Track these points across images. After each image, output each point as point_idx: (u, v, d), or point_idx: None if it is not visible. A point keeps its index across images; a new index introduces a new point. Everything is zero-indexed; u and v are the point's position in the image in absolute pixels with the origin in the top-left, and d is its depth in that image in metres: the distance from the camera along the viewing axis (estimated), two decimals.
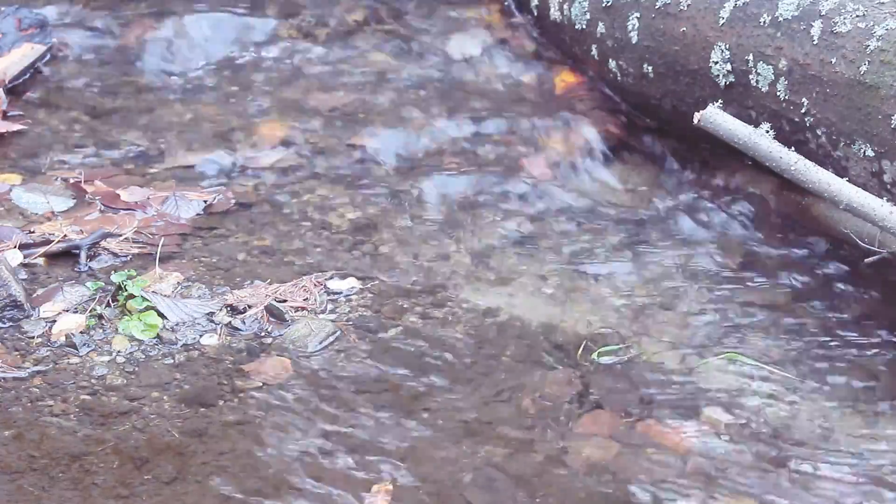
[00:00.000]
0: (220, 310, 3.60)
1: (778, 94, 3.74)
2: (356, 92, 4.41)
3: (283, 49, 4.59)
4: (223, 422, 3.28)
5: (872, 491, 3.14)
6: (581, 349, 3.52)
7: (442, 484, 3.14)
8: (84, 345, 3.48)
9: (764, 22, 3.76)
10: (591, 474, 3.17)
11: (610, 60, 4.21)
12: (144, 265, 3.73)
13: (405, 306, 3.65)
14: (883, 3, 3.59)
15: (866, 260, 3.56)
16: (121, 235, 3.83)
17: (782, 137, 3.66)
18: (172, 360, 3.46)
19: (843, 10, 3.62)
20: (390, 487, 3.11)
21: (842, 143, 3.63)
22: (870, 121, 3.55)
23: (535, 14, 4.56)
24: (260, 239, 3.87)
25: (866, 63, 3.54)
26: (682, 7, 3.95)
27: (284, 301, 3.62)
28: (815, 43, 3.66)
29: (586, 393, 3.40)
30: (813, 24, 3.67)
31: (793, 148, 3.60)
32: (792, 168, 3.55)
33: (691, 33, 3.93)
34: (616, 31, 4.14)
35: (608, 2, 4.16)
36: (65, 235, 3.81)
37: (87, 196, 3.99)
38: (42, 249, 3.76)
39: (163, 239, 3.82)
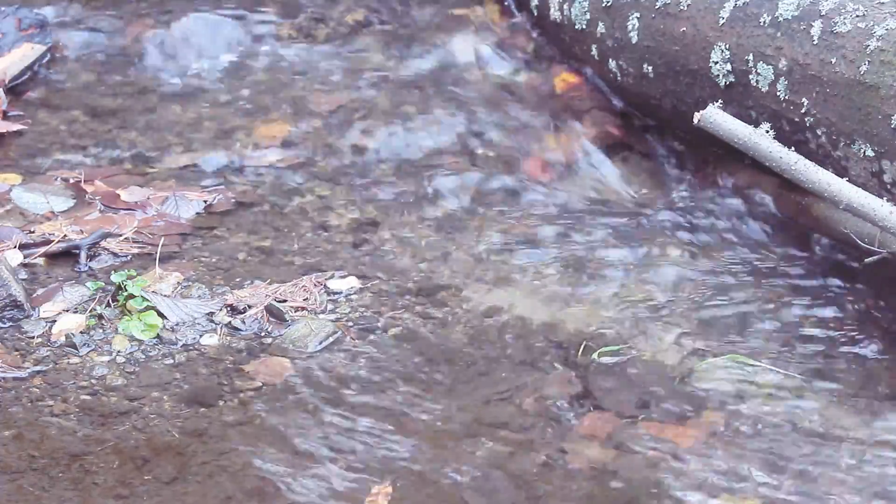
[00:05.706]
0: (220, 310, 3.60)
1: (778, 94, 3.74)
2: (356, 92, 4.41)
3: (284, 49, 4.59)
4: (223, 422, 3.28)
5: (873, 490, 3.14)
6: (581, 349, 3.52)
7: (442, 484, 3.14)
8: (84, 345, 3.48)
9: (764, 22, 3.76)
10: (591, 474, 3.17)
11: (610, 60, 4.21)
12: (144, 265, 3.73)
13: (405, 306, 3.65)
14: (883, 2, 3.59)
15: (866, 260, 3.56)
16: (121, 235, 3.83)
17: (782, 137, 3.66)
18: (172, 360, 3.46)
19: (843, 10, 3.62)
20: (390, 489, 3.11)
21: (842, 143, 3.63)
22: (870, 121, 3.55)
23: (535, 14, 4.56)
24: (260, 239, 3.87)
25: (866, 63, 3.54)
26: (682, 7, 3.95)
27: (284, 301, 3.62)
28: (815, 43, 3.66)
29: (586, 393, 3.40)
30: (813, 24, 3.67)
31: (793, 148, 3.60)
32: (792, 168, 3.55)
33: (691, 33, 3.93)
34: (616, 31, 4.14)
35: (608, 2, 4.16)
36: (65, 235, 3.81)
37: (87, 196, 3.99)
38: (42, 249, 3.76)
39: (163, 239, 3.82)
